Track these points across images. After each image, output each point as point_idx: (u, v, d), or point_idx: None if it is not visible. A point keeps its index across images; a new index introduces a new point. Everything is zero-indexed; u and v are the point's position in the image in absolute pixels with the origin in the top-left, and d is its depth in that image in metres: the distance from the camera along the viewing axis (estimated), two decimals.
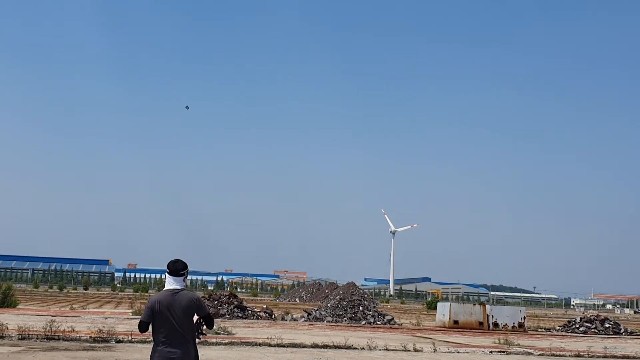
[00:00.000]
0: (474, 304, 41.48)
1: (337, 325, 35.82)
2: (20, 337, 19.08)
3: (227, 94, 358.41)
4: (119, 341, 19.64)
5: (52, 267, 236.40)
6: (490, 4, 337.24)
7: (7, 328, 19.78)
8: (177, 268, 6.91)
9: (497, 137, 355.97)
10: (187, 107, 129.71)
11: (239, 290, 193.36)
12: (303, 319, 40.46)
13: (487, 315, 39.26)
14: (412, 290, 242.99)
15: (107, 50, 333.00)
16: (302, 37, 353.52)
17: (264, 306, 45.45)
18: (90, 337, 19.81)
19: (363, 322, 39.26)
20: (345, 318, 40.15)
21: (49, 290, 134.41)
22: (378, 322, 39.45)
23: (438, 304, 43.31)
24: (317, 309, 43.31)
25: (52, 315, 25.12)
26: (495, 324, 39.00)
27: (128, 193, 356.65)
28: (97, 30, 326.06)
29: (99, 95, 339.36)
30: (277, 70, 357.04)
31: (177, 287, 6.82)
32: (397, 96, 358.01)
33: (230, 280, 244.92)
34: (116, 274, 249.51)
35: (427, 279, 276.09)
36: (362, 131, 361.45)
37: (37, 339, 19.21)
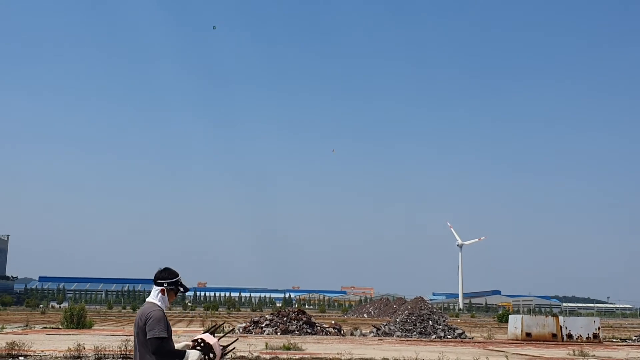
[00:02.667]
0: (547, 316, 40.57)
1: (407, 340, 35.54)
2: (97, 357, 19.63)
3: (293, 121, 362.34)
4: None
5: (125, 288, 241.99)
6: None
7: (84, 348, 20.36)
8: (155, 276, 5.80)
9: (563, 145, 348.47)
10: (214, 27, 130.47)
11: (306, 306, 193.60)
12: (372, 334, 40.30)
13: (561, 326, 38.33)
14: (482, 304, 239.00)
15: (190, 84, 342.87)
16: None
17: (333, 322, 45.49)
18: None
19: (433, 337, 38.84)
20: (415, 333, 39.80)
21: (122, 310, 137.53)
22: (448, 336, 38.97)
23: (509, 316, 42.51)
24: (386, 324, 43.07)
25: (127, 335, 25.70)
26: (569, 336, 38.03)
27: (197, 213, 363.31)
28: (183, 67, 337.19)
29: (186, 122, 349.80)
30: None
31: (150, 298, 5.78)
32: (466, 107, 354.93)
33: (297, 297, 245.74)
34: (186, 293, 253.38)
35: (497, 292, 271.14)
36: (429, 143, 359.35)
37: (114, 358, 19.72)
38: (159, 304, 5.57)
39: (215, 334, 5.89)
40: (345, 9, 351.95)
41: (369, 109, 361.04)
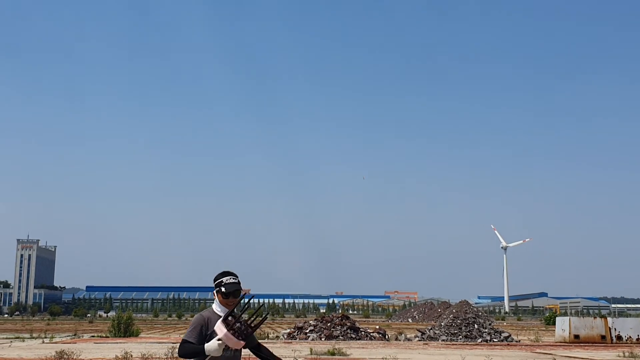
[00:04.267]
0: (595, 317, 39.82)
1: (452, 344, 35.22)
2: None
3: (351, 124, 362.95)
4: None
5: (170, 296, 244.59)
6: None
7: (132, 356, 20.61)
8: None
9: (614, 142, 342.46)
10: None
11: (350, 312, 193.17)
12: (417, 339, 40.04)
13: (610, 328, 37.58)
14: (528, 307, 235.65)
15: (235, 85, 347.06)
16: None
17: (377, 327, 45.33)
18: None
19: (479, 340, 38.42)
20: (460, 336, 39.42)
21: (168, 318, 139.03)
22: (494, 340, 38.51)
23: (557, 318, 41.83)
24: (431, 328, 42.76)
25: (173, 343, 25.99)
26: (619, 337, 37.24)
27: (242, 221, 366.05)
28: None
29: (237, 129, 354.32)
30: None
31: None
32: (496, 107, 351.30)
33: (341, 303, 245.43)
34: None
35: (544, 294, 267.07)
36: (464, 142, 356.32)
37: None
38: (214, 307, 5.52)
39: (235, 317, 5.29)
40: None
41: (415, 107, 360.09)
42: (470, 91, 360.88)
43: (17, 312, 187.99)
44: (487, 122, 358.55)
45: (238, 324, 5.19)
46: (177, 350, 5.42)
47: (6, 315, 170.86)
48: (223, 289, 5.44)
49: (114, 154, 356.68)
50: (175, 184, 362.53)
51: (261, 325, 5.39)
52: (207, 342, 5.18)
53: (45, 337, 38.10)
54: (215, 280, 5.54)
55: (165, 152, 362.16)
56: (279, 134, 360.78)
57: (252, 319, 5.45)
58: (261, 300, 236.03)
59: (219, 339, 5.09)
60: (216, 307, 5.46)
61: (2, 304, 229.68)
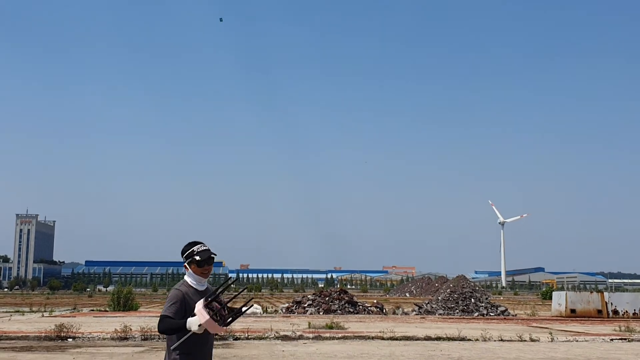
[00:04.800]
0: (591, 292, 40.07)
1: (449, 318, 35.49)
2: (143, 337, 20.01)
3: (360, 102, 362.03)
4: (236, 338, 20.27)
5: (169, 271, 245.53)
6: None
7: (131, 329, 20.75)
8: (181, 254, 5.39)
9: (609, 118, 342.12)
10: (220, 19, 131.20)
11: (348, 287, 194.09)
12: (414, 313, 40.32)
13: (606, 302, 37.84)
14: (525, 281, 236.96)
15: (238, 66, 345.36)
16: None
17: (375, 301, 45.62)
18: None
19: (475, 314, 38.71)
20: (457, 311, 39.70)
21: (167, 293, 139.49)
22: (491, 314, 38.80)
23: (553, 293, 42.12)
24: (428, 302, 43.05)
25: None
26: (615, 312, 37.52)
27: (240, 196, 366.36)
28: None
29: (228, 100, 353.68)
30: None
31: None
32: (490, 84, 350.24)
33: (339, 278, 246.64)
34: (230, 275, 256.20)
35: (541, 269, 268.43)
36: (460, 121, 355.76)
37: (159, 339, 20.07)
38: (188, 280, 5.26)
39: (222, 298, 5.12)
40: None
41: (412, 84, 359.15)
42: (467, 67, 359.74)
43: (16, 287, 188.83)
44: (485, 97, 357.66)
45: (221, 309, 5.02)
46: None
47: (6, 290, 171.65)
48: (197, 257, 5.20)
49: (114, 128, 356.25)
50: (176, 159, 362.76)
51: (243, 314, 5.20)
52: (188, 317, 5.01)
53: (45, 311, 38.32)
54: (184, 253, 5.26)
55: (167, 127, 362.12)
56: (279, 110, 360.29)
57: (236, 307, 5.26)
58: (260, 276, 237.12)
59: (199, 324, 4.91)
60: (191, 280, 5.25)
61: (1, 279, 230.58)
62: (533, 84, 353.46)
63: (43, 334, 20.31)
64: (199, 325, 4.91)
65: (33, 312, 38.18)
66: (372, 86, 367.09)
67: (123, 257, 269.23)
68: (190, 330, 4.94)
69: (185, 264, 5.23)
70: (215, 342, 18.93)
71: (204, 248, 5.27)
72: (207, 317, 4.88)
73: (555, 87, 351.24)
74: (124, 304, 40.88)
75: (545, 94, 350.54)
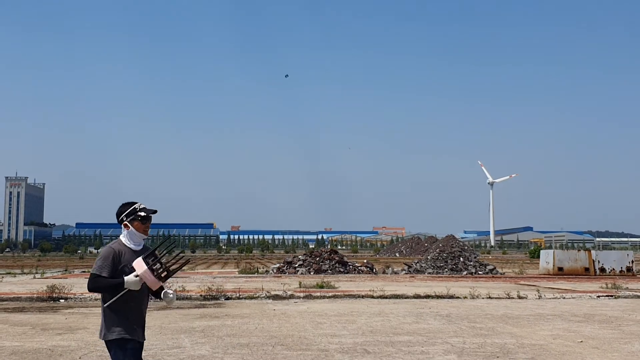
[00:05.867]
0: (579, 250, 40.52)
1: (438, 277, 35.87)
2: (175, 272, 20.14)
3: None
4: (227, 298, 20.45)
5: (160, 233, 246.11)
6: None
7: None
8: (116, 216, 5.33)
9: (601, 79, 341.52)
10: (286, 76, 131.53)
11: (338, 247, 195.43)
12: (404, 272, 40.71)
13: (593, 260, 38.30)
14: (513, 241, 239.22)
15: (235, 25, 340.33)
16: None
17: (365, 261, 45.94)
18: (201, 295, 20.70)
19: (464, 273, 39.13)
20: (446, 269, 40.11)
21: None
22: (480, 272, 39.23)
23: (541, 251, 42.56)
24: (418, 262, 43.44)
25: None
26: (602, 270, 38.01)
27: (230, 157, 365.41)
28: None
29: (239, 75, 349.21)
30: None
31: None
32: (489, 40, 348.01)
33: (330, 238, 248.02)
34: (221, 237, 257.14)
35: (529, 229, 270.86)
36: (454, 80, 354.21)
37: (151, 299, 20.21)
38: (124, 240, 5.17)
39: (161, 256, 5.14)
40: None
41: (408, 39, 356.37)
42: (466, 23, 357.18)
43: (7, 249, 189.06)
44: (476, 56, 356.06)
45: (158, 264, 5.04)
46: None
47: None
48: (142, 213, 5.19)
49: (103, 88, 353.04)
50: (167, 118, 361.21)
51: (177, 272, 5.18)
52: (121, 276, 4.99)
53: (37, 273, 38.46)
54: (123, 213, 5.21)
55: (159, 87, 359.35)
56: (274, 65, 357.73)
57: (171, 262, 5.24)
58: (251, 237, 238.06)
59: (136, 275, 4.92)
60: (126, 240, 5.18)
61: None
62: (524, 41, 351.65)
63: (35, 295, 20.42)
64: (136, 277, 4.91)
65: (24, 274, 38.31)
66: (368, 33, 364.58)
67: (113, 219, 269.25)
68: (125, 290, 4.94)
69: (127, 222, 5.17)
70: (207, 302, 19.12)
71: (144, 205, 5.29)
72: (145, 267, 4.91)
73: (546, 44, 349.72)
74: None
75: (535, 52, 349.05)
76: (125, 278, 4.93)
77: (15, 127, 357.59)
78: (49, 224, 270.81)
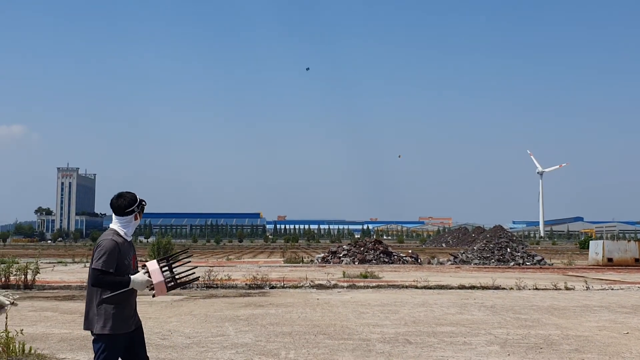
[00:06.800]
0: (629, 240, 39.67)
1: (485, 268, 35.55)
2: (182, 287, 20.48)
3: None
4: (272, 287, 20.63)
5: (208, 222, 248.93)
6: None
7: None
8: (124, 206, 5.15)
9: None
10: (307, 69, 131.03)
11: (384, 237, 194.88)
12: (449, 262, 40.45)
13: None
14: (563, 231, 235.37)
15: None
16: None
17: (410, 251, 45.79)
18: (246, 284, 20.92)
19: (511, 264, 38.68)
20: (493, 260, 39.71)
21: (207, 244, 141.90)
22: (527, 263, 38.74)
23: (590, 242, 41.80)
24: (464, 252, 43.10)
25: (210, 266, 26.68)
26: None
27: (278, 147, 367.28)
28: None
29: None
30: None
31: (114, 225, 5.20)
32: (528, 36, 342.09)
33: (375, 229, 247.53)
34: (267, 226, 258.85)
35: (579, 219, 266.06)
36: (502, 70, 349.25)
37: (198, 287, 20.55)
38: (121, 231, 5.10)
39: (172, 261, 5.22)
40: None
41: (456, 29, 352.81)
42: (511, 14, 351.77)
43: (60, 238, 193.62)
44: (525, 46, 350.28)
45: (168, 273, 5.07)
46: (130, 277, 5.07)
47: (49, 242, 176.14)
48: (144, 204, 5.24)
49: (153, 80, 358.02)
50: (214, 109, 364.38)
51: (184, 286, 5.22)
52: (119, 271, 4.96)
53: (87, 262, 39.31)
54: (135, 203, 5.17)
55: (208, 78, 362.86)
56: (324, 52, 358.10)
57: (182, 274, 5.26)
58: (297, 227, 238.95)
59: (149, 277, 4.92)
60: (125, 231, 5.14)
61: (45, 231, 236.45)
62: (577, 30, 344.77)
63: (84, 284, 20.93)
64: (149, 279, 4.92)
65: (75, 262, 39.22)
66: (425, 28, 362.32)
67: (163, 209, 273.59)
68: (129, 288, 4.93)
69: (137, 212, 5.18)
70: (251, 291, 19.32)
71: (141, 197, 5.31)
72: (161, 278, 4.95)
73: (596, 33, 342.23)
74: (164, 254, 41.65)
75: (585, 40, 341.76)
76: (133, 277, 4.94)
77: (67, 119, 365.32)
78: (100, 213, 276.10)
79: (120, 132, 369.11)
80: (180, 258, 5.37)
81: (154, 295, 5.12)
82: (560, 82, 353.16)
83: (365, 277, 24.36)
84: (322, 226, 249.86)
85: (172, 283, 5.11)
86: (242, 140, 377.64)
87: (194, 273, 5.41)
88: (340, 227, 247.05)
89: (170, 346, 9.99)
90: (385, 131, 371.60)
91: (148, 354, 5.29)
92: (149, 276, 4.97)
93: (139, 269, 5.15)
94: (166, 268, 5.09)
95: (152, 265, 5.00)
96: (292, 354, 9.35)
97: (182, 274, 5.25)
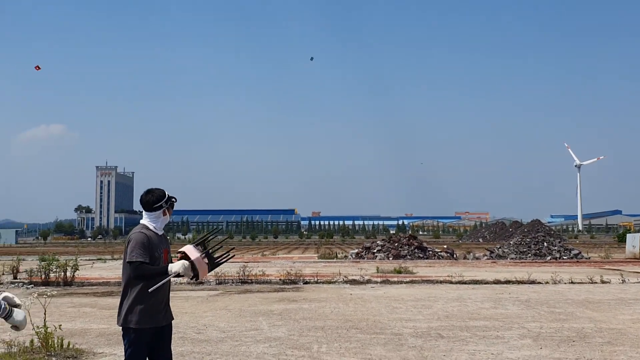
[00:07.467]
0: None
1: (521, 262, 35.27)
2: (217, 282, 20.76)
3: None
4: (306, 282, 20.78)
5: (244, 219, 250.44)
6: None
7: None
8: (152, 201, 5.26)
9: None
10: (311, 59, 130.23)
11: (420, 233, 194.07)
12: (485, 257, 40.21)
13: None
14: (602, 225, 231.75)
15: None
16: None
17: (445, 246, 45.64)
18: (280, 279, 21.11)
19: (548, 258, 38.31)
20: (529, 255, 39.37)
21: (242, 240, 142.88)
22: (564, 257, 38.33)
23: (627, 235, 41.26)
24: (500, 247, 42.80)
25: (245, 262, 26.91)
26: None
27: (312, 143, 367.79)
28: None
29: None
30: None
31: (144, 221, 5.33)
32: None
33: (411, 224, 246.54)
34: (302, 223, 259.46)
35: (618, 212, 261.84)
36: (540, 64, 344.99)
37: (233, 283, 20.80)
38: (151, 226, 5.24)
39: (208, 246, 5.28)
40: None
41: (489, 25, 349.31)
42: (546, 8, 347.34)
43: (99, 236, 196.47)
44: (560, 40, 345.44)
45: (206, 254, 5.13)
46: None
47: (89, 239, 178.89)
48: (174, 200, 5.35)
49: (190, 77, 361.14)
50: (249, 106, 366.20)
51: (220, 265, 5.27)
52: (154, 261, 5.05)
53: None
54: (163, 199, 5.28)
55: (244, 76, 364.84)
56: (363, 50, 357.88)
57: (219, 255, 5.33)
58: (331, 223, 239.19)
59: (190, 261, 4.98)
60: (155, 225, 5.26)
61: (85, 229, 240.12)
62: (609, 20, 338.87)
63: None
64: (189, 263, 4.97)
65: (114, 259, 39.84)
66: (463, 25, 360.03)
67: (200, 207, 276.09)
68: (170, 275, 4.99)
69: (165, 208, 5.28)
70: (286, 286, 19.49)
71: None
72: (198, 255, 5.01)
73: (629, 24, 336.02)
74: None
75: (620, 33, 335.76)
76: (171, 265, 5.02)
77: (105, 117, 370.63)
78: (139, 211, 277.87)
79: (158, 130, 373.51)
80: (210, 237, 5.47)
81: (197, 279, 5.17)
82: (597, 75, 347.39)
83: (399, 272, 24.37)
84: (356, 222, 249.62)
85: (211, 262, 5.19)
86: (277, 137, 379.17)
87: (230, 252, 5.51)
88: (375, 222, 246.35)
89: (205, 340, 10.17)
90: (420, 126, 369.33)
91: (183, 348, 5.44)
92: (188, 260, 5.03)
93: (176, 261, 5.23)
94: (204, 250, 5.17)
95: (189, 248, 5.09)
96: (325, 348, 9.47)
97: (219, 254, 5.35)
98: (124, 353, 5.18)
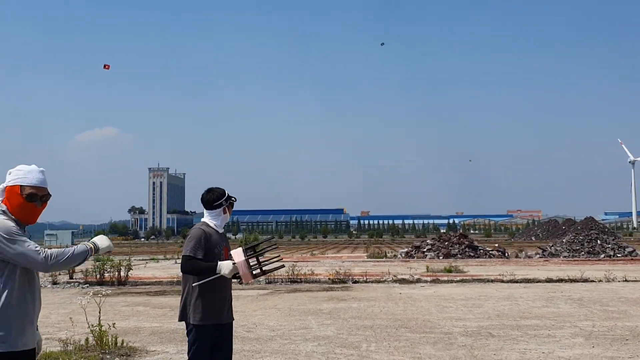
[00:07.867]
0: None
1: (574, 260, 34.65)
2: (267, 281, 20.93)
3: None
4: (355, 282, 20.79)
5: (293, 219, 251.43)
6: None
7: None
8: (212, 200, 5.38)
9: None
10: (382, 44, 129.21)
11: (471, 232, 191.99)
12: (538, 256, 39.61)
13: None
14: None
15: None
16: None
17: (497, 245, 45.10)
18: (329, 278, 21.17)
19: (602, 256, 37.55)
20: (582, 252, 38.63)
21: (292, 239, 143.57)
22: (618, 255, 37.51)
23: None
24: (552, 245, 42.11)
25: (294, 261, 27.08)
26: None
27: (363, 143, 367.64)
28: None
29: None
30: None
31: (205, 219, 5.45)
32: None
33: (462, 223, 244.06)
34: (351, 222, 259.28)
35: None
36: (593, 58, 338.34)
37: (282, 282, 20.95)
38: (212, 223, 5.37)
39: (258, 252, 5.33)
40: None
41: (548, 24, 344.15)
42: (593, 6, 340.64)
43: (152, 236, 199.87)
44: (611, 37, 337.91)
45: (254, 260, 5.20)
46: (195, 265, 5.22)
47: (143, 239, 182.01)
48: (233, 199, 5.46)
49: (240, 78, 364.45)
50: (301, 108, 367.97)
51: (268, 274, 5.32)
52: (213, 258, 5.14)
53: (178, 258, 40.49)
54: (223, 197, 5.41)
55: (295, 76, 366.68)
56: (414, 49, 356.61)
57: (267, 262, 5.37)
58: (380, 222, 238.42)
59: (233, 263, 5.05)
60: (215, 223, 5.38)
61: (138, 229, 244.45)
62: None
63: (175, 279, 21.63)
64: (233, 264, 5.06)
65: (167, 259, 40.48)
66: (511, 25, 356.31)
67: (250, 207, 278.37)
68: (219, 273, 5.09)
69: (225, 207, 5.40)
70: (335, 285, 19.55)
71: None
72: (243, 258, 5.08)
73: None
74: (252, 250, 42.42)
75: None
76: (220, 263, 5.12)
77: (157, 120, 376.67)
78: (190, 211, 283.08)
79: (208, 132, 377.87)
80: (265, 248, 5.57)
81: (241, 282, 5.27)
82: None
83: (450, 271, 24.20)
84: (406, 221, 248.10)
85: (258, 270, 5.26)
86: (327, 137, 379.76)
87: (280, 260, 5.53)
88: (425, 222, 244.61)
89: (255, 338, 10.30)
90: (472, 124, 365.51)
91: (233, 346, 5.48)
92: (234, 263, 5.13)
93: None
94: (253, 256, 5.23)
95: (237, 252, 5.18)
96: (373, 347, 9.49)
97: (268, 262, 5.40)
98: (187, 350, 5.30)
